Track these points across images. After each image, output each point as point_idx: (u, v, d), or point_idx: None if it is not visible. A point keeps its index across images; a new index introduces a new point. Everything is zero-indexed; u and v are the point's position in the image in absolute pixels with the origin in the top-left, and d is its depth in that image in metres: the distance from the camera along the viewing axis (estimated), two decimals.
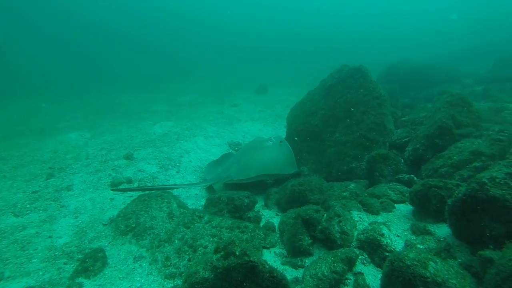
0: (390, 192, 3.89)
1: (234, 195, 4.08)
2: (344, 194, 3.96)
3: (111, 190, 4.47)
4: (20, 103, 13.40)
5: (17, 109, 12.15)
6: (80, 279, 2.96)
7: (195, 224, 3.48)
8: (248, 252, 1.93)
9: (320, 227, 3.00)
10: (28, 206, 4.30)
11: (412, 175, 4.07)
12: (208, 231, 3.29)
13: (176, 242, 3.34)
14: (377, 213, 3.48)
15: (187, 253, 3.11)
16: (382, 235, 2.80)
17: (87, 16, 36.28)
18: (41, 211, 4.19)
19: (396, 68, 10.65)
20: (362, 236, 2.90)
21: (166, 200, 4.09)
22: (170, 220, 3.75)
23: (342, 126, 5.46)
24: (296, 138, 6.03)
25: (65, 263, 3.25)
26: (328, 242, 2.95)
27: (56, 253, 3.38)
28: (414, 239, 2.86)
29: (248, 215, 3.93)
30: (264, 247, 3.19)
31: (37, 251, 3.40)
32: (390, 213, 3.48)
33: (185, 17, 44.94)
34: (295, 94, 12.56)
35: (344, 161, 4.99)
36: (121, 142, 6.92)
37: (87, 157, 6.03)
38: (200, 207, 4.36)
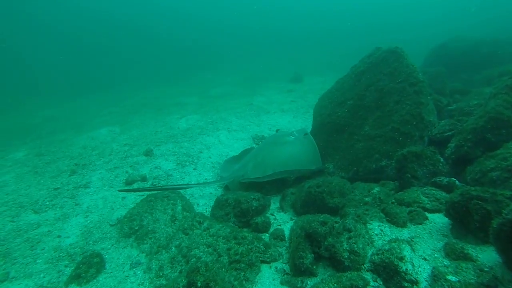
0: (423, 198, 3.24)
1: (242, 197, 3.74)
2: (366, 199, 3.40)
3: (118, 191, 4.42)
4: (65, 100, 14.44)
5: (62, 106, 13.08)
6: (73, 286, 2.89)
7: (194, 231, 3.22)
8: (211, 285, 1.58)
9: (325, 243, 2.54)
10: (47, 203, 4.43)
11: (454, 179, 3.34)
12: (205, 240, 3.01)
13: (173, 249, 3.12)
14: (403, 225, 2.90)
15: (180, 263, 2.87)
16: (401, 258, 2.26)
17: (120, 13, 37.83)
18: (57, 209, 4.28)
19: (447, 47, 9.26)
20: (376, 257, 2.38)
21: (172, 201, 3.90)
22: (172, 224, 3.55)
23: (372, 118, 4.79)
24: (321, 132, 5.49)
25: (66, 266, 3.22)
26: (334, 262, 2.48)
27: (61, 254, 3.38)
28: (445, 266, 2.26)
29: (256, 221, 3.57)
30: (263, 262, 2.82)
31: (44, 251, 3.43)
32: (419, 226, 2.87)
33: (214, 8, 44.63)
34: (332, 82, 11.65)
35: (372, 158, 4.36)
36: (145, 137, 6.96)
37: (111, 153, 6.13)
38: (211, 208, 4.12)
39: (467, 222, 2.49)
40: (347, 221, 2.62)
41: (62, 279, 3.04)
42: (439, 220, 2.93)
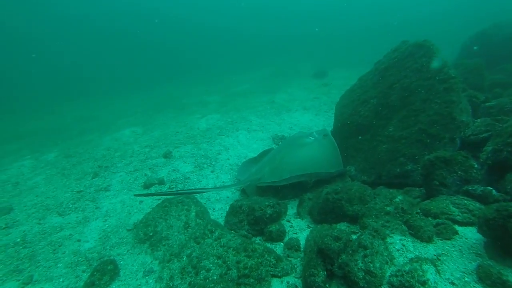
0: (453, 209, 2.94)
1: (256, 204, 3.62)
2: (388, 209, 3.14)
3: (134, 195, 4.47)
4: (94, 100, 15.05)
5: (91, 107, 13.65)
6: None
7: (205, 240, 3.16)
8: None
9: (339, 260, 2.36)
10: (71, 206, 4.59)
11: (490, 188, 2.99)
12: (215, 251, 2.93)
13: (184, 259, 3.08)
14: (428, 240, 2.64)
15: (190, 275, 2.81)
16: (424, 282, 2.03)
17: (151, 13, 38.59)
18: (79, 212, 4.41)
19: (487, 35, 8.47)
20: (395, 279, 2.16)
21: (186, 207, 3.87)
22: (185, 231, 3.52)
23: (397, 118, 4.46)
24: (342, 132, 5.23)
25: (83, 271, 3.29)
26: (348, 282, 2.29)
27: (79, 259, 3.47)
28: None
29: (270, 229, 3.45)
30: (274, 276, 2.69)
31: (65, 255, 3.54)
32: (447, 242, 2.59)
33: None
34: (357, 77, 11.13)
35: (397, 161, 4.07)
36: (166, 138, 7.03)
37: (132, 155, 6.26)
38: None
39: (506, 243, 2.19)
40: (363, 236, 2.42)
41: (79, 284, 3.10)
42: (471, 235, 2.64)
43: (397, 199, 3.17)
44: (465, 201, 2.96)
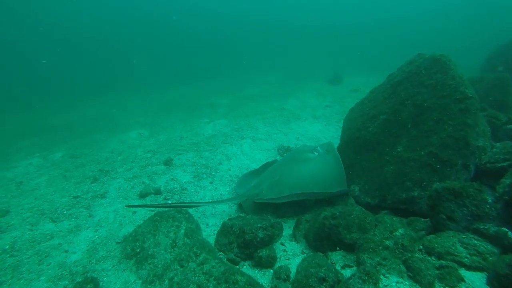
0: (461, 249, 2.64)
1: (247, 225, 3.42)
2: (387, 243, 2.87)
3: (125, 206, 4.37)
4: (114, 96, 15.20)
5: (110, 103, 13.78)
6: None
7: (189, 263, 2.99)
8: None
9: None
10: (65, 212, 4.54)
11: (505, 229, 2.66)
12: (196, 278, 2.75)
13: (166, 282, 2.92)
14: (429, 286, 2.36)
15: None
16: None
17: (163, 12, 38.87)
18: (72, 219, 4.35)
19: None
20: None
21: (176, 223, 3.72)
22: (172, 250, 3.36)
23: (407, 137, 4.15)
24: (348, 148, 4.95)
25: (65, 286, 3.19)
26: None
27: (63, 272, 3.37)
28: None
29: (260, 254, 3.24)
30: None
31: (49, 267, 3.46)
32: None
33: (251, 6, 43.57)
34: (375, 84, 10.68)
35: (403, 185, 3.77)
36: (170, 143, 6.94)
37: (134, 159, 6.19)
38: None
39: None
40: (351, 281, 2.17)
41: None
42: (479, 283, 2.34)
43: (397, 233, 2.89)
44: (475, 241, 2.66)
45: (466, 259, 2.56)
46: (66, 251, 3.71)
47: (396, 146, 4.22)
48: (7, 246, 3.78)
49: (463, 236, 2.74)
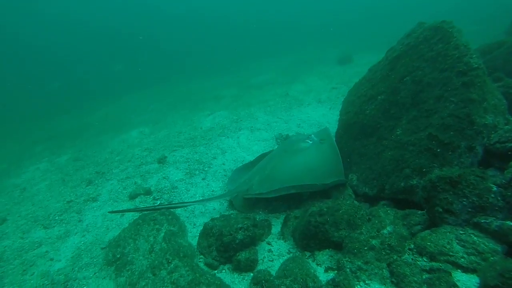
0: (457, 248, 2.27)
1: (227, 227, 3.18)
2: (373, 242, 2.54)
3: (108, 212, 4.26)
4: (126, 96, 15.30)
5: (121, 103, 13.88)
6: None
7: (161, 271, 2.81)
8: None
9: None
10: (57, 218, 4.53)
11: (510, 222, 2.24)
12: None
13: None
14: None
15: None
16: None
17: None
18: (63, 225, 4.33)
19: None
20: None
21: (157, 226, 3.57)
22: (149, 256, 3.20)
23: (406, 118, 3.71)
24: (346, 134, 4.56)
25: None
26: None
27: (45, 282, 3.31)
28: None
29: (238, 258, 3.00)
30: None
31: (32, 277, 3.42)
32: None
33: None
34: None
35: (402, 173, 3.37)
36: (168, 139, 6.80)
37: (130, 159, 6.11)
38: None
39: None
40: None
41: None
42: None
43: (385, 231, 2.55)
44: (475, 238, 2.27)
45: (462, 260, 2.18)
46: (52, 259, 3.66)
47: (395, 129, 3.79)
48: None
49: (461, 232, 2.35)
